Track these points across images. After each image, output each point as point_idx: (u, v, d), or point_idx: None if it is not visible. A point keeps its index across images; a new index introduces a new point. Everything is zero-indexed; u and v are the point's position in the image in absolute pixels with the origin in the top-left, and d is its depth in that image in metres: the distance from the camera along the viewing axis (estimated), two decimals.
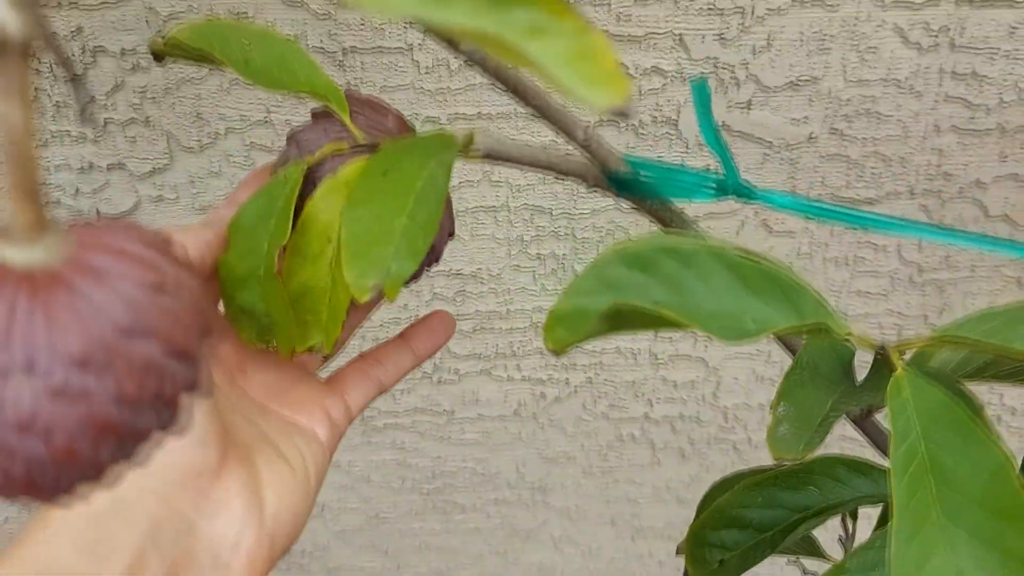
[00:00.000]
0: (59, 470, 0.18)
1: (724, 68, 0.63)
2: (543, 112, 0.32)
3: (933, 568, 0.21)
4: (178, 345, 0.18)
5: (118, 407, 0.17)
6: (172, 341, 0.18)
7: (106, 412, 0.17)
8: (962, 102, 0.64)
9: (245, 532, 0.34)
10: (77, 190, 0.65)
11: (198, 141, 0.64)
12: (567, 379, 0.81)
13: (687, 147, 0.67)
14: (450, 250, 0.74)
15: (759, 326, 0.23)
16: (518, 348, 0.79)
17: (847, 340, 0.24)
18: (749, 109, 0.66)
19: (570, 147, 0.34)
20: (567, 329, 0.24)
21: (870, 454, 0.39)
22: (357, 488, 0.87)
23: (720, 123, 0.66)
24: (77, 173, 0.64)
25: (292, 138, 0.37)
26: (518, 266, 0.74)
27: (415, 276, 0.34)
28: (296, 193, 0.34)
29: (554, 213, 0.73)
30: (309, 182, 0.35)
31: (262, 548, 0.34)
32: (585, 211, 0.72)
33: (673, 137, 0.66)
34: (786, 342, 0.36)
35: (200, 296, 0.19)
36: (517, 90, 0.31)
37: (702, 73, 0.64)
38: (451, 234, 0.39)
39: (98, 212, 0.67)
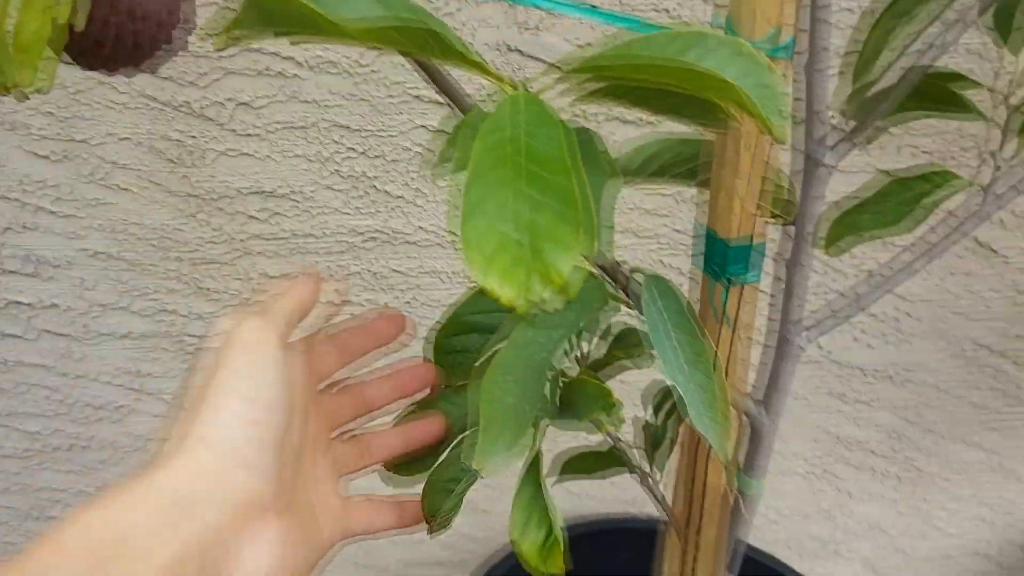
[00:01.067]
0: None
1: None
2: None
3: (494, 200, 0.25)
4: None
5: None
6: None
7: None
8: None
9: (274, 567, 0.35)
10: None
11: None
12: (385, 302, 0.84)
13: None
14: (260, 169, 0.75)
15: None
16: (334, 271, 0.81)
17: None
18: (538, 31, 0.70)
19: None
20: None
21: None
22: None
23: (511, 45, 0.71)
24: None
25: None
26: (323, 185, 0.76)
27: (124, 53, 0.35)
28: None
29: (363, 132, 0.75)
30: None
31: None
32: (393, 131, 0.75)
33: None
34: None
35: None
36: None
37: None
38: (174, 22, 0.38)
39: None
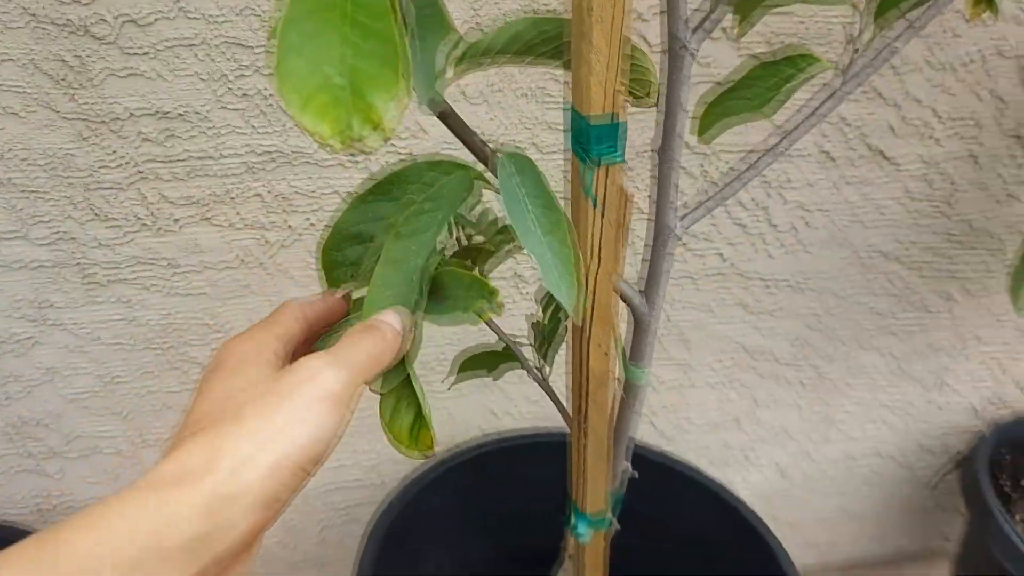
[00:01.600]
0: None
1: None
2: None
3: (318, 43, 0.25)
4: None
5: None
6: None
7: None
8: None
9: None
10: None
11: None
12: (289, 223, 0.83)
13: None
14: (152, 89, 0.73)
15: None
16: (236, 193, 0.80)
17: None
18: None
19: None
20: None
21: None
22: (86, 349, 0.85)
23: None
24: None
25: None
26: (221, 104, 0.75)
27: None
28: None
29: (256, 49, 0.73)
30: None
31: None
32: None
33: None
34: None
35: None
36: None
37: None
38: None
39: None
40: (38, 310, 0.82)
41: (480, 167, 0.44)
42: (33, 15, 0.69)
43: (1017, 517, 0.98)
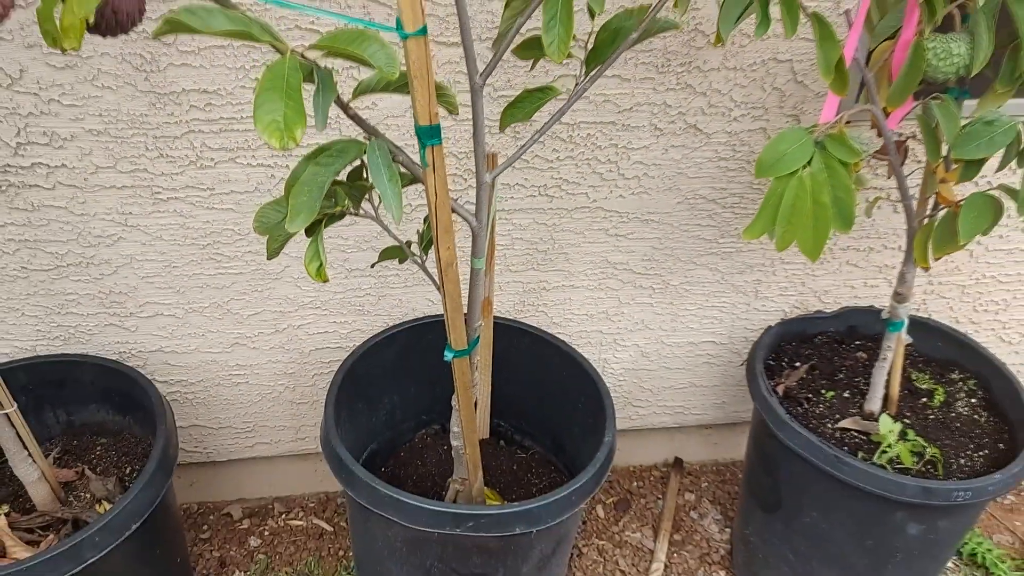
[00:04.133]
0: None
1: None
2: None
3: (270, 103, 0.63)
4: None
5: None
6: None
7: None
8: None
9: None
10: None
11: None
12: (288, 164, 1.20)
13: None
14: (198, 75, 1.10)
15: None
16: (253, 142, 1.17)
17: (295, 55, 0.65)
18: None
19: None
20: None
21: None
22: (153, 244, 1.24)
23: None
24: None
25: None
26: (242, 87, 1.12)
27: (117, 29, 0.71)
28: None
29: (263, 49, 1.10)
30: None
31: None
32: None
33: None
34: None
35: None
36: None
37: None
38: (139, 9, 0.75)
39: None
40: (122, 216, 1.21)
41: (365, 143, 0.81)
42: None
43: (775, 382, 1.34)
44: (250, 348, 1.38)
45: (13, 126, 1.10)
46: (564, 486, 1.05)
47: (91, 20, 0.68)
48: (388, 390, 1.36)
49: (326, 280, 0.82)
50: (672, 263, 1.38)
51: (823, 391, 1.33)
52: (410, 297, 1.37)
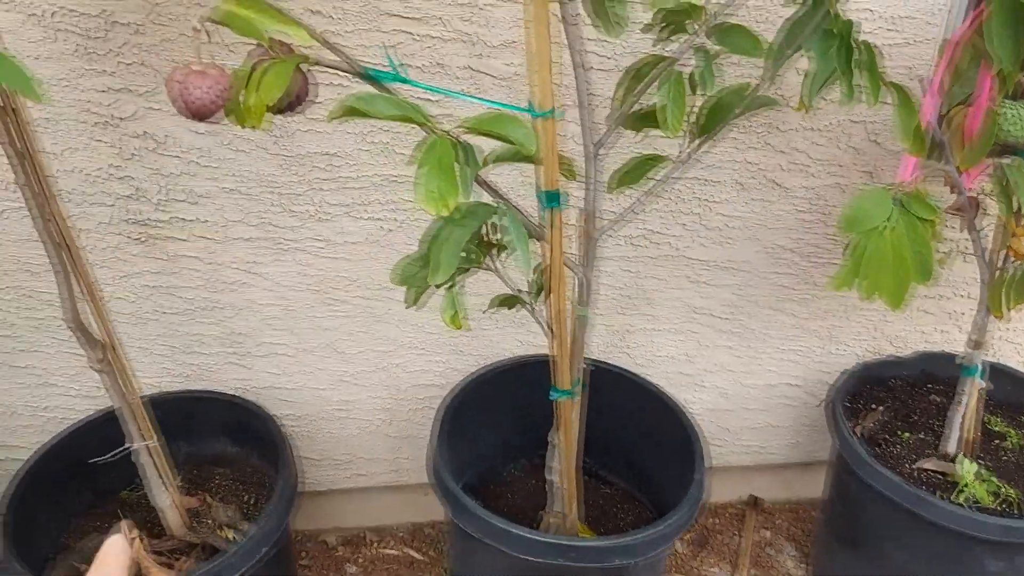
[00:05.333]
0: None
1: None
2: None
3: (428, 179, 0.72)
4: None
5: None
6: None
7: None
8: (594, 55, 1.16)
9: None
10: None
11: None
12: (396, 218, 1.31)
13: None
14: (322, 139, 1.22)
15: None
16: (366, 198, 1.28)
17: (442, 130, 0.75)
18: (480, 58, 1.16)
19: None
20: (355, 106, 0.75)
21: None
22: (273, 290, 1.35)
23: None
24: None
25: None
26: (360, 149, 1.23)
27: (288, 109, 0.82)
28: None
29: (378, 122, 1.21)
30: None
31: None
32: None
33: (447, 66, 1.15)
34: None
35: None
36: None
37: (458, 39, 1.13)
38: (306, 93, 0.85)
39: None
40: (248, 265, 1.32)
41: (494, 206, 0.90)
42: None
43: (853, 423, 1.40)
44: (353, 384, 1.48)
45: (156, 184, 1.23)
46: (660, 520, 1.12)
47: (271, 103, 0.79)
48: (482, 426, 1.44)
49: (460, 327, 0.91)
50: (752, 308, 1.45)
51: (900, 432, 1.38)
52: (502, 338, 1.46)
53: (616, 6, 0.81)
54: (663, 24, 0.87)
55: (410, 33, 1.13)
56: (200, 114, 0.73)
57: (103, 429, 1.30)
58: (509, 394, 1.42)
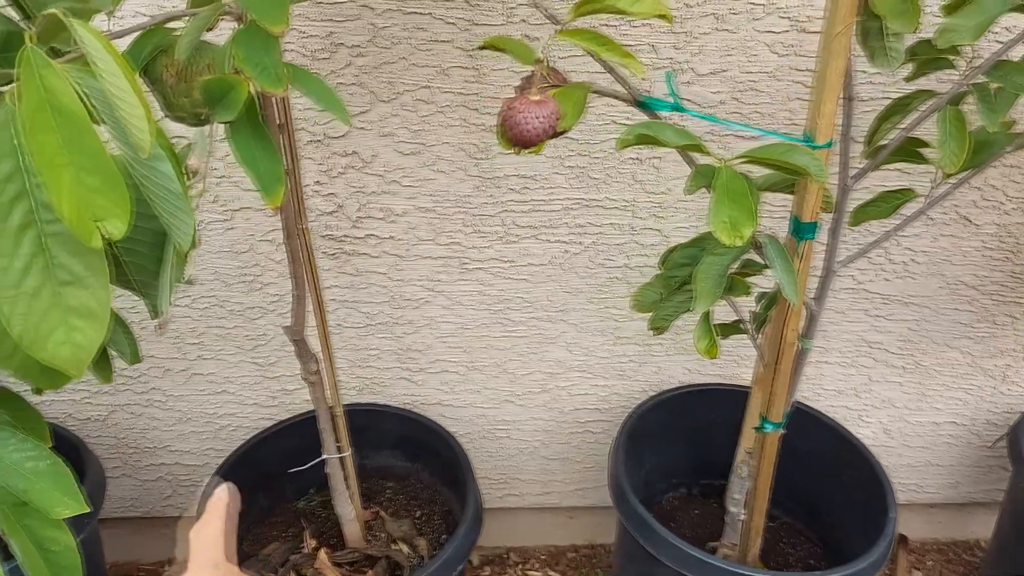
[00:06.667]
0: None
1: (676, 63, 1.13)
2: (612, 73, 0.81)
3: (720, 208, 0.72)
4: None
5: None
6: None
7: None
8: (801, 85, 1.15)
9: None
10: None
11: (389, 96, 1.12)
12: (581, 241, 1.31)
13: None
14: (519, 162, 1.23)
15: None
16: (555, 221, 1.29)
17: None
18: (688, 85, 1.16)
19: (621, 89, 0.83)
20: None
21: None
22: (453, 308, 1.36)
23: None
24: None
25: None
26: (556, 172, 1.24)
27: (561, 134, 0.82)
28: None
29: (580, 141, 1.22)
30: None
31: None
32: (595, 143, 1.21)
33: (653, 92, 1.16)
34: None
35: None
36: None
37: (667, 67, 1.13)
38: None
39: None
40: (431, 283, 1.34)
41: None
42: (464, 119, 1.19)
43: None
44: (517, 405, 1.48)
45: (357, 202, 1.25)
46: (860, 558, 1.09)
47: (567, 129, 0.79)
48: (650, 451, 1.43)
49: (715, 356, 0.91)
50: (926, 344, 1.43)
51: None
52: (669, 365, 1.45)
53: (893, 40, 0.80)
54: (925, 58, 0.86)
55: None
56: (532, 143, 0.75)
57: (278, 440, 1.33)
58: (678, 422, 1.41)
